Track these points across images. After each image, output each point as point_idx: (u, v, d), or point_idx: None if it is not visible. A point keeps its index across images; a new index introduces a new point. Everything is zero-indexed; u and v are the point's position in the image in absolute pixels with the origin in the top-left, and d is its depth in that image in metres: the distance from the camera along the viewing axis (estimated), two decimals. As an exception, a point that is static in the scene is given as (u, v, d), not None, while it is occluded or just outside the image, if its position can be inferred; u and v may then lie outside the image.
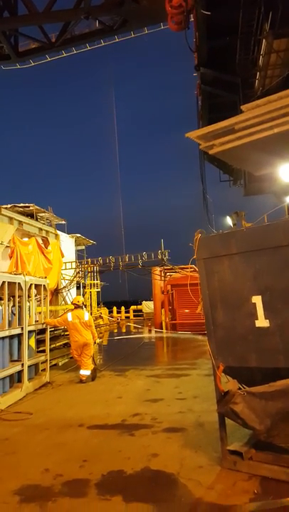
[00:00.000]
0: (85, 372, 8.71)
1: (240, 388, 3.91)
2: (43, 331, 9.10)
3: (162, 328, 19.27)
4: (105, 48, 21.94)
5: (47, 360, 8.94)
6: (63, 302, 19.07)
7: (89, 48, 21.80)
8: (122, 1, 17.76)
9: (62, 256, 19.53)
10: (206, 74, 15.22)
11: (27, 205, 19.25)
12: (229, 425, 4.17)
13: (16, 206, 18.65)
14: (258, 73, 13.63)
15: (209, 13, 12.77)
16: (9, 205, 18.16)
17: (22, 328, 7.73)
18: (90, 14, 18.47)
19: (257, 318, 3.87)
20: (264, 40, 11.97)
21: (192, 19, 14.18)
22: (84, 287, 24.92)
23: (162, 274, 20.10)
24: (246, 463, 3.93)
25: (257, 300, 3.88)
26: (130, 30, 20.68)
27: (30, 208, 19.15)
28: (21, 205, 19.15)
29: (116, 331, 23.53)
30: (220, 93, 15.62)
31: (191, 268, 13.66)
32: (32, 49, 21.11)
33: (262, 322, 3.84)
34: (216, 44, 14.28)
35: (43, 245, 17.23)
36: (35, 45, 20.83)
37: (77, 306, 9.25)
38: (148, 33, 21.03)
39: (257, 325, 3.86)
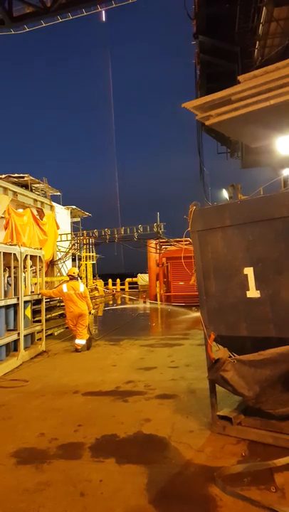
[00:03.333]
0: (80, 341, 8.87)
1: (230, 356, 4.01)
2: (38, 302, 9.20)
3: (157, 300, 19.50)
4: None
5: (43, 329, 9.08)
6: (59, 274, 19.13)
7: (85, 14, 21.06)
8: None
9: (58, 228, 19.43)
10: (205, 42, 14.82)
11: (22, 175, 19.01)
12: (220, 392, 4.30)
13: (10, 176, 18.43)
14: (257, 42, 13.30)
15: None
16: (3, 175, 17.94)
17: (18, 299, 7.81)
18: (87, -23, 17.81)
19: (248, 289, 3.94)
20: (264, 8, 11.64)
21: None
22: (79, 259, 24.98)
23: (158, 247, 20.14)
24: (235, 428, 4.08)
25: (249, 271, 3.94)
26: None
27: (25, 179, 18.94)
28: (16, 175, 18.92)
29: (111, 302, 23.77)
30: (219, 62, 15.26)
31: (186, 241, 13.71)
32: (27, 14, 20.39)
33: (253, 293, 3.92)
34: (216, 11, 13.86)
35: (38, 217, 17.09)
36: (30, 9, 20.10)
37: (72, 278, 9.32)
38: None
39: (248, 295, 3.94)
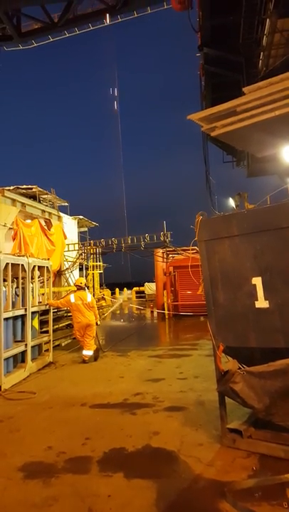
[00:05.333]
0: (87, 352, 8.83)
1: (239, 368, 3.97)
2: (46, 312, 9.19)
3: (164, 310, 19.41)
4: (108, 27, 21.53)
5: (50, 340, 9.05)
6: (66, 284, 19.14)
7: (92, 28, 21.43)
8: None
9: (65, 238, 19.52)
10: (210, 54, 14.93)
11: (30, 186, 19.14)
12: (229, 404, 4.24)
13: (18, 188, 18.56)
14: (261, 53, 13.37)
15: None
16: (12, 187, 18.07)
17: (25, 309, 7.81)
18: (93, -7, 18.18)
19: (257, 299, 3.91)
20: (268, 20, 11.71)
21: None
22: (86, 269, 25.00)
23: (164, 256, 20.10)
24: (245, 441, 4.02)
25: (257, 281, 3.91)
26: (133, 10, 20.31)
27: (33, 190, 19.06)
28: (24, 186, 19.05)
29: (118, 312, 23.71)
30: (223, 73, 15.34)
31: (193, 250, 13.67)
32: (34, 29, 20.93)
33: (262, 303, 3.88)
34: (220, 24, 13.98)
35: (45, 227, 17.20)
36: (38, 25, 20.63)
37: (79, 288, 9.31)
38: (151, 13, 20.63)
39: (257, 306, 3.90)
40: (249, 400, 3.83)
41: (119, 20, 21.10)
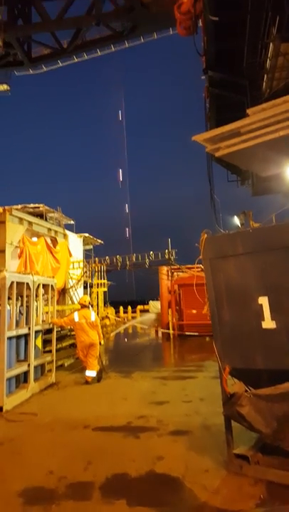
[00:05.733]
0: (90, 373, 8.70)
1: (246, 390, 3.86)
2: (49, 331, 9.10)
3: (169, 329, 19.20)
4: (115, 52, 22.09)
5: (53, 360, 8.94)
6: (70, 302, 19.07)
7: (100, 54, 21.99)
8: (132, 7, 18.00)
9: (70, 255, 19.54)
10: (214, 77, 15.19)
11: (37, 205, 19.32)
12: (236, 428, 4.12)
13: (26, 207, 18.74)
14: (265, 75, 13.57)
15: (217, 18, 12.76)
16: (20, 206, 18.24)
17: (29, 328, 7.74)
18: (101, 21, 18.86)
19: (263, 319, 3.83)
20: (271, 44, 11.93)
21: (200, 24, 14.23)
22: (91, 287, 24.93)
23: (169, 274, 20.03)
24: (252, 467, 3.88)
25: (263, 301, 3.84)
26: (140, 36, 20.85)
27: (40, 209, 19.22)
28: (31, 205, 19.24)
29: (122, 331, 23.51)
30: (228, 95, 15.58)
31: (198, 268, 13.60)
32: (44, 55, 21.58)
33: (268, 323, 3.81)
34: (224, 48, 14.27)
35: (51, 245, 17.25)
36: (48, 51, 21.25)
37: (83, 306, 9.24)
38: (157, 38, 21.14)
39: (263, 326, 3.83)
40: (256, 423, 3.72)
41: (126, 45, 21.61)
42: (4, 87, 22.26)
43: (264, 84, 13.88)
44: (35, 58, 21.38)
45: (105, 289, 26.54)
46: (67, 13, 19.39)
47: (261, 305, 3.88)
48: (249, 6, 12.01)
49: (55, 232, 17.64)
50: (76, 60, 22.11)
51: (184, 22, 13.85)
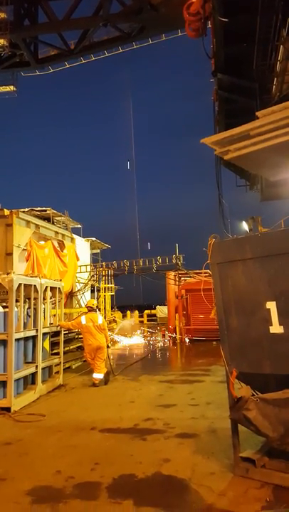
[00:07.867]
0: (98, 375, 8.74)
1: (253, 395, 3.88)
2: (57, 334, 9.17)
3: (176, 334, 19.18)
4: (122, 54, 22.13)
5: (61, 362, 9.00)
6: (77, 305, 19.14)
7: (107, 55, 22.03)
8: (140, 8, 17.97)
9: (78, 259, 19.64)
10: (223, 80, 15.19)
11: (44, 208, 19.45)
12: (242, 432, 4.13)
13: (33, 210, 18.88)
14: (275, 79, 13.56)
15: (227, 19, 12.77)
16: (27, 209, 18.39)
17: (37, 330, 7.81)
18: (109, 22, 18.76)
19: (271, 324, 3.84)
20: (281, 46, 11.92)
21: (209, 26, 14.24)
22: (98, 291, 25.00)
23: (176, 279, 20.02)
24: (259, 470, 3.89)
25: (271, 306, 3.85)
26: (148, 37, 20.84)
27: (47, 212, 19.35)
28: (38, 208, 19.37)
29: (130, 336, 23.50)
30: (237, 98, 15.57)
31: (205, 273, 13.60)
32: (51, 56, 21.53)
33: (276, 328, 3.81)
34: (233, 50, 14.27)
35: (58, 248, 17.36)
36: (55, 52, 21.23)
37: (91, 309, 9.30)
38: (165, 40, 21.13)
39: (271, 331, 3.83)
40: (263, 428, 3.73)
41: (134, 46, 21.63)
42: (11, 87, 22.35)
43: (274, 87, 13.85)
44: (41, 59, 21.30)
45: (113, 293, 26.59)
46: (75, 14, 19.20)
47: (269, 310, 3.89)
48: (259, 7, 12.00)
49: (63, 235, 17.76)
50: (83, 61, 22.05)
51: (193, 23, 13.86)
